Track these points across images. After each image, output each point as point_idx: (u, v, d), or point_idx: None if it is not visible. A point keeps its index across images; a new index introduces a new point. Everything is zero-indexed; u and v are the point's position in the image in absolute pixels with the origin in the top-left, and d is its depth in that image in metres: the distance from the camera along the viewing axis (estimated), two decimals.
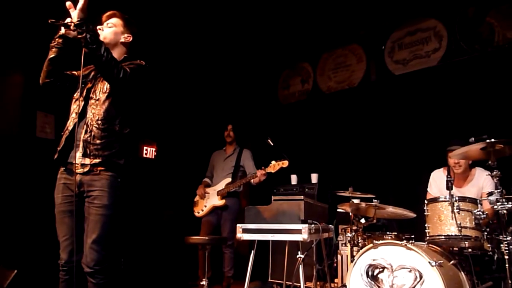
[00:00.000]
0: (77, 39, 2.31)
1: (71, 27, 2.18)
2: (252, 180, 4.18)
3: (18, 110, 3.89)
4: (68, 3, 2.16)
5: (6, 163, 3.66)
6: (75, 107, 2.42)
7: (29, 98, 3.89)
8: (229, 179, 4.42)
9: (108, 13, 2.54)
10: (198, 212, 4.49)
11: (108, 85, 2.40)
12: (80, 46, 2.20)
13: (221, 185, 4.42)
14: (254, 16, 5.14)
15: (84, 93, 2.42)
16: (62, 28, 2.30)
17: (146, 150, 5.28)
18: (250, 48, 5.84)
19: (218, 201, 4.35)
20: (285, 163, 3.93)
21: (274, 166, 3.98)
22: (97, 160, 2.29)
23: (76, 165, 2.28)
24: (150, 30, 4.40)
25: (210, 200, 4.44)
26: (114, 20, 2.54)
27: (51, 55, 2.35)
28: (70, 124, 2.39)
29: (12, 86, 3.86)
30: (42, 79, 2.39)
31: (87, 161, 2.30)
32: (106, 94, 2.39)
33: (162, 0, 4.53)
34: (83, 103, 2.38)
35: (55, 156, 2.35)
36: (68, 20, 2.26)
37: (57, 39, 2.35)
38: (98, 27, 2.46)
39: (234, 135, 4.67)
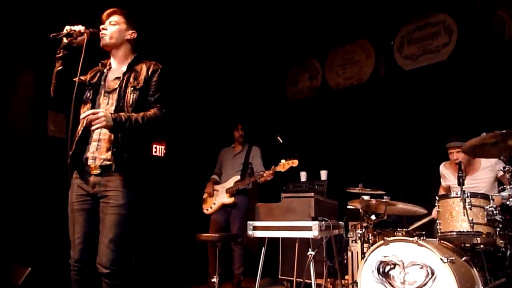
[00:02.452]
0: (81, 46, 2.34)
1: (74, 36, 2.27)
2: (259, 179, 4.18)
3: (30, 110, 3.92)
4: None
5: (19, 162, 3.70)
6: (84, 110, 2.40)
7: (40, 97, 3.92)
8: (238, 177, 4.42)
9: (108, 11, 2.51)
10: (207, 210, 4.50)
11: (137, 85, 2.42)
12: (88, 51, 2.23)
13: (230, 183, 4.42)
14: (261, 13, 5.12)
15: (91, 96, 2.43)
16: (64, 38, 2.32)
17: (156, 148, 5.30)
18: (258, 45, 5.82)
19: (227, 199, 4.36)
20: (295, 162, 3.89)
21: (284, 165, 3.95)
22: (110, 152, 2.29)
23: (90, 165, 2.29)
24: (156, 27, 4.41)
25: (219, 197, 4.45)
26: (116, 18, 2.50)
27: (58, 67, 2.36)
28: (80, 128, 2.38)
29: (23, 86, 3.90)
30: (52, 91, 2.41)
31: (103, 147, 2.31)
32: (136, 92, 2.40)
33: None
34: (91, 106, 2.40)
35: (68, 161, 2.34)
36: (67, 28, 2.30)
37: (62, 50, 2.35)
38: (101, 26, 2.45)
39: (244, 133, 4.68)
